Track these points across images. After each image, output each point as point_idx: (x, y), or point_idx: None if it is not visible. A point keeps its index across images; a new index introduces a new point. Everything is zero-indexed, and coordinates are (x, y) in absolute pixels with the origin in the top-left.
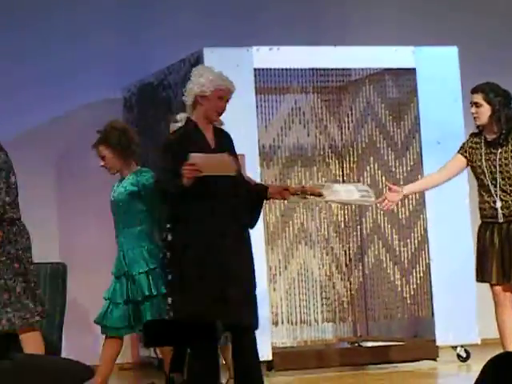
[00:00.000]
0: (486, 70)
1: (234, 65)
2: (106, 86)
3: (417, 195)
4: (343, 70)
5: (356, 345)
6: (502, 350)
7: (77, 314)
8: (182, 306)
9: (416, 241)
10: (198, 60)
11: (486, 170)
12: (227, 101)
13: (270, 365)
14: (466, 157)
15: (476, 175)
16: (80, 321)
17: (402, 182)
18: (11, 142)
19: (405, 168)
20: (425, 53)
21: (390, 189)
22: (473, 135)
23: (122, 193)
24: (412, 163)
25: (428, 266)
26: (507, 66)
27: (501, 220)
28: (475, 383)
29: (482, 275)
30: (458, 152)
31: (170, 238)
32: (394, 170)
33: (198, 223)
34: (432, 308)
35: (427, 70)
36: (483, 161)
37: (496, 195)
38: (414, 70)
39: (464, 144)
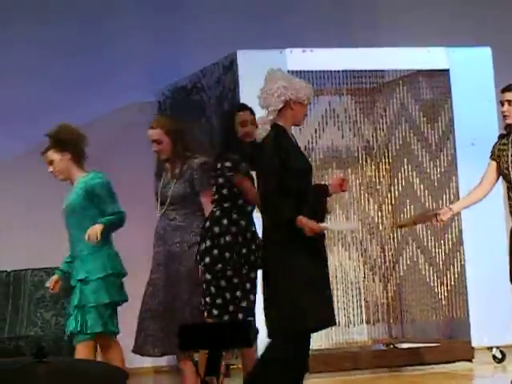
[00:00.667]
0: None
1: (268, 67)
2: (141, 89)
3: (451, 196)
4: (377, 71)
5: (391, 346)
6: None
7: None
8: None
9: (451, 242)
10: (231, 63)
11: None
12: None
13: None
14: (496, 160)
15: (504, 176)
16: None
17: (436, 184)
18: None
19: (439, 169)
20: (458, 53)
21: (438, 214)
22: (500, 137)
23: (74, 199)
24: (446, 165)
25: (463, 267)
26: None
27: None
28: None
29: None
30: (490, 158)
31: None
32: (428, 171)
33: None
34: (467, 309)
35: (461, 71)
36: (510, 162)
37: None
38: (448, 71)
39: (493, 148)
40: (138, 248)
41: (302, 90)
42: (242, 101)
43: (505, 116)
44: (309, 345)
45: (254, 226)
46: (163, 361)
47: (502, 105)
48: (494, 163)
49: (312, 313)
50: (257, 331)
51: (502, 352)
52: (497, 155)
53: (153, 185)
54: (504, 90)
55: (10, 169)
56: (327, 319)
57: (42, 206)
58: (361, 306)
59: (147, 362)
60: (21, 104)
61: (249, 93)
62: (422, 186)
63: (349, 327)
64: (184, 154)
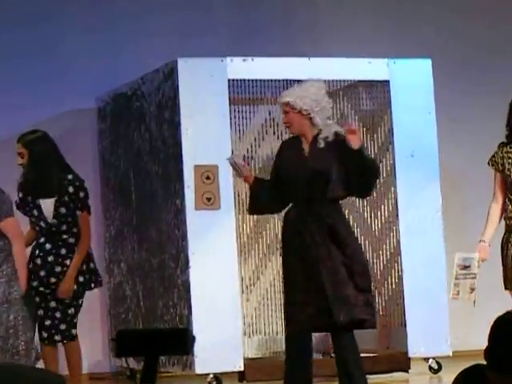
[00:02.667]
0: (460, 82)
1: (208, 75)
2: (80, 95)
3: (390, 207)
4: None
5: (328, 356)
6: (473, 363)
7: None
8: None
9: (388, 252)
10: (172, 70)
11: None
12: (286, 112)
13: (241, 375)
14: (499, 170)
15: (507, 184)
16: None
17: (374, 194)
18: None
19: (378, 180)
20: (398, 65)
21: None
22: (502, 145)
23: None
24: (385, 175)
25: (400, 277)
26: (479, 79)
27: None
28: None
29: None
30: (494, 169)
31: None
32: None
33: None
34: (404, 320)
35: (401, 82)
36: None
37: None
38: (388, 82)
39: (495, 157)
40: None
41: None
42: (182, 108)
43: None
44: (299, 349)
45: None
46: (100, 367)
47: None
48: (498, 174)
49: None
50: (193, 339)
51: (438, 363)
52: (499, 164)
53: (92, 188)
54: None
55: None
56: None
57: None
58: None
59: (84, 369)
60: None
61: (189, 101)
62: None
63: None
64: None
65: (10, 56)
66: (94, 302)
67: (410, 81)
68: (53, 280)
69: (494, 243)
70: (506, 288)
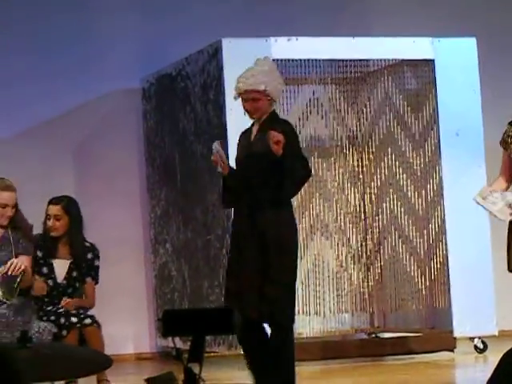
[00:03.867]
0: (505, 61)
1: (253, 55)
2: (125, 76)
3: (434, 186)
4: (361, 60)
5: (373, 336)
6: None
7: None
8: None
9: (433, 232)
10: (216, 50)
11: None
12: (252, 99)
13: None
14: (506, 148)
15: None
16: None
17: (419, 174)
18: (30, 132)
19: (422, 160)
20: (443, 44)
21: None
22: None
23: None
24: (430, 155)
25: (445, 257)
26: None
27: None
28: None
29: None
30: (503, 149)
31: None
32: (411, 161)
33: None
34: (449, 299)
35: (446, 61)
36: None
37: None
38: (433, 61)
39: (503, 136)
40: (121, 229)
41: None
42: (226, 89)
43: None
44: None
45: None
46: (146, 347)
47: None
48: (504, 152)
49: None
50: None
51: (483, 342)
52: (506, 142)
53: (137, 168)
54: None
55: None
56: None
57: None
58: (342, 296)
59: (130, 349)
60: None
61: (233, 81)
62: (404, 175)
63: (331, 316)
64: None
65: (56, 38)
66: (139, 283)
67: (455, 59)
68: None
69: None
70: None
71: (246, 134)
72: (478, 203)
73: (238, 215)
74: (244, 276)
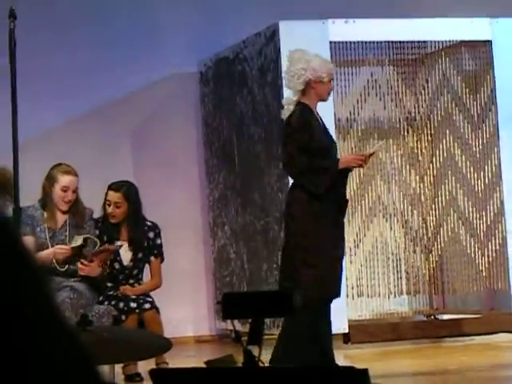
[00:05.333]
0: None
1: (310, 38)
2: (183, 60)
3: (493, 167)
4: (419, 42)
5: (432, 318)
6: None
7: None
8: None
9: (492, 213)
10: (273, 33)
11: None
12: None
13: (346, 337)
14: None
15: None
16: None
17: (477, 155)
18: (89, 117)
19: (481, 141)
20: (501, 24)
21: None
22: None
23: None
24: (488, 136)
25: (504, 238)
26: None
27: None
28: None
29: None
30: None
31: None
32: (470, 142)
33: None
34: (509, 280)
35: (504, 42)
36: None
37: None
38: (491, 41)
39: None
40: (180, 212)
41: (322, 68)
42: (283, 72)
43: None
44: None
45: None
46: (205, 330)
47: None
48: None
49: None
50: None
51: None
52: None
53: (195, 152)
54: None
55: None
56: (327, 290)
57: None
58: (401, 277)
59: (189, 332)
60: (66, 73)
61: None
62: (463, 157)
63: (389, 298)
64: None
65: (113, 24)
66: (198, 266)
67: None
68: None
69: None
70: None
71: (314, 116)
72: None
73: (332, 201)
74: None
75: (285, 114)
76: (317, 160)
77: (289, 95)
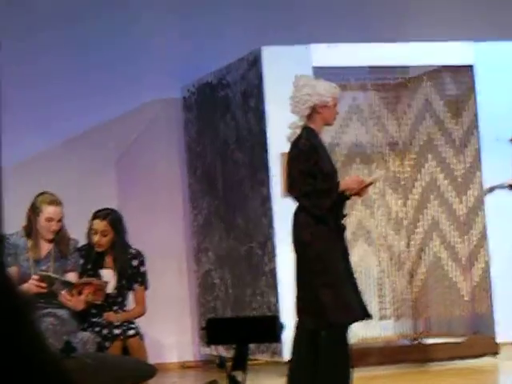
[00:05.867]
0: None
1: (293, 63)
2: (166, 86)
3: (475, 191)
4: (401, 67)
5: (417, 342)
6: None
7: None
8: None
9: (475, 237)
10: (256, 59)
11: None
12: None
13: None
14: None
15: None
16: None
17: (460, 180)
18: (72, 143)
19: (463, 165)
20: (483, 48)
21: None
22: None
23: None
24: (471, 160)
25: (487, 263)
26: None
27: None
28: None
29: None
30: None
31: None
32: (452, 166)
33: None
34: (491, 305)
35: (486, 66)
36: None
37: None
38: (472, 66)
39: None
40: (164, 238)
41: (326, 93)
42: (267, 96)
43: None
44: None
45: None
46: (190, 356)
47: None
48: None
49: (339, 307)
50: (282, 326)
51: None
52: None
53: (179, 178)
54: None
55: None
56: (353, 313)
57: None
58: (385, 302)
59: (174, 357)
60: (49, 99)
61: (274, 88)
62: (446, 181)
63: (374, 322)
64: None
65: (97, 50)
66: (182, 291)
67: (495, 64)
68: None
69: None
70: None
71: (320, 141)
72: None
73: (335, 227)
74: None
75: (290, 137)
76: (319, 183)
77: (295, 120)
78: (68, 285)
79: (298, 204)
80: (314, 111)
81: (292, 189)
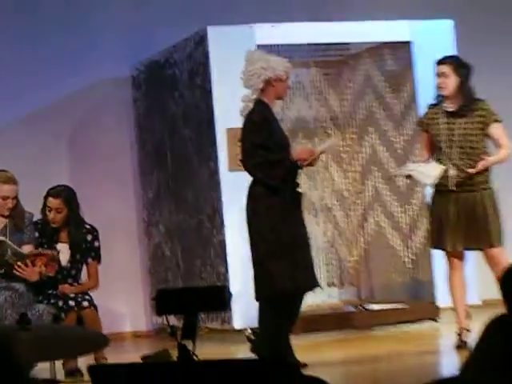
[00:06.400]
0: (481, 41)
1: (238, 42)
2: (115, 64)
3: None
4: (342, 44)
5: (361, 308)
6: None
7: None
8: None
9: (415, 206)
10: (202, 38)
11: (445, 140)
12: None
13: None
14: (426, 130)
15: (435, 144)
16: None
17: (399, 151)
18: (25, 121)
19: (403, 137)
20: (420, 26)
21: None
22: (431, 107)
23: None
24: (411, 132)
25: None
26: (503, 40)
27: (453, 188)
28: (476, 344)
29: (436, 243)
30: (421, 129)
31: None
32: (392, 139)
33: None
34: (432, 271)
35: (423, 43)
36: (442, 131)
37: (451, 164)
38: (410, 43)
39: (422, 119)
40: (115, 212)
41: (280, 67)
42: (213, 75)
43: (440, 87)
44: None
45: None
46: (142, 325)
47: (438, 77)
48: (424, 134)
49: (285, 277)
50: (230, 295)
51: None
52: (426, 124)
53: (129, 153)
54: (439, 63)
55: None
56: (303, 282)
57: None
58: (330, 270)
59: (127, 327)
60: None
61: (219, 67)
62: (387, 154)
63: (319, 290)
64: None
65: (44, 27)
66: (134, 263)
67: (432, 41)
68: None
69: None
70: (432, 246)
71: (272, 114)
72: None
73: (290, 197)
74: None
75: (243, 110)
76: (272, 154)
77: (247, 93)
78: (20, 256)
79: (252, 176)
80: (268, 84)
81: (245, 161)
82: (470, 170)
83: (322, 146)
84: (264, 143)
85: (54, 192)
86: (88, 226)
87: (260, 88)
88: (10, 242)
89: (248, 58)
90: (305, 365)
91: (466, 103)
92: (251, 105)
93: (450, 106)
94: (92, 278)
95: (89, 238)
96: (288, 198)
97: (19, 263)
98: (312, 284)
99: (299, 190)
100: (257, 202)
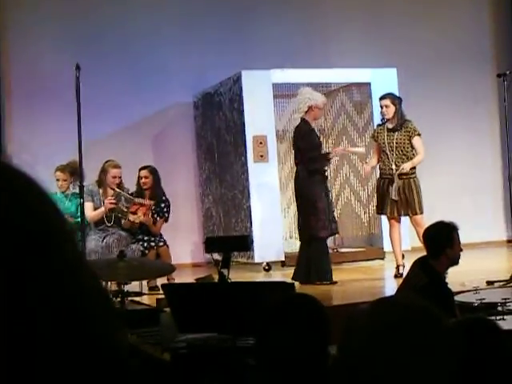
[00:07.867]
0: (417, 83)
1: (260, 81)
2: (183, 93)
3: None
4: (326, 83)
5: (336, 251)
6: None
7: None
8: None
9: (371, 187)
10: (238, 78)
11: (387, 146)
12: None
13: (283, 263)
14: (376, 140)
15: (381, 149)
16: None
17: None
18: (126, 132)
19: (364, 143)
20: (376, 72)
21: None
22: (378, 126)
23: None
24: (369, 140)
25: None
26: (431, 81)
27: (395, 176)
28: (406, 274)
29: (381, 210)
30: (373, 140)
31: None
32: (358, 145)
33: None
34: (381, 227)
35: (377, 84)
36: (386, 141)
37: (392, 162)
38: (370, 83)
39: (373, 133)
40: (183, 186)
41: (319, 99)
42: (244, 102)
43: (383, 113)
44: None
45: None
46: (199, 258)
47: (381, 108)
48: (376, 144)
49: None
50: (252, 241)
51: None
52: (376, 137)
53: (191, 151)
54: (382, 98)
55: None
56: (333, 230)
57: None
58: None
59: (188, 260)
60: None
61: (248, 97)
62: (355, 156)
63: None
64: None
65: (138, 65)
66: (193, 219)
67: (383, 83)
68: None
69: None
70: (378, 212)
71: (312, 128)
72: None
73: (321, 177)
74: None
75: (294, 124)
76: (311, 152)
77: (295, 116)
78: (129, 200)
79: (305, 165)
80: (309, 109)
81: (298, 156)
82: (403, 167)
83: (353, 148)
84: (307, 145)
85: (143, 166)
86: (164, 198)
87: (305, 111)
88: (123, 192)
89: (300, 91)
90: (336, 282)
91: (400, 123)
92: (298, 121)
93: (389, 125)
94: (157, 228)
95: (162, 205)
96: (319, 178)
97: (130, 215)
98: (336, 230)
99: (325, 173)
100: (303, 180)
